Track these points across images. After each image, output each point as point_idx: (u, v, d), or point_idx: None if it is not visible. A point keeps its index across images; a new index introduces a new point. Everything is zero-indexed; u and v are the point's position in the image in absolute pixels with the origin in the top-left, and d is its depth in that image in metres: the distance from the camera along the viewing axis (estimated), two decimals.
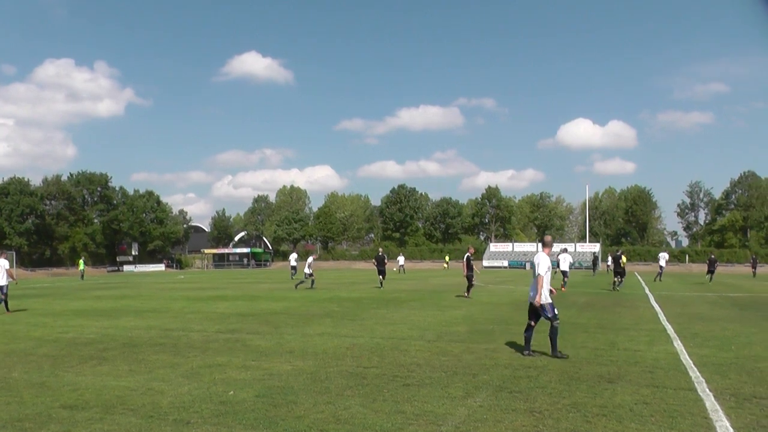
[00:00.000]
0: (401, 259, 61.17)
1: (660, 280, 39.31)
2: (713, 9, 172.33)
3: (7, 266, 21.00)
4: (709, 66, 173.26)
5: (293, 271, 35.06)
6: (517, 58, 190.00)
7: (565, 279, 32.28)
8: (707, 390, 8.10)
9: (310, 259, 33.47)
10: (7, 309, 20.53)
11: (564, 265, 32.71)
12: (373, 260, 34.49)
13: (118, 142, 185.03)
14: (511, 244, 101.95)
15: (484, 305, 21.57)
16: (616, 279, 31.46)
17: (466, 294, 24.87)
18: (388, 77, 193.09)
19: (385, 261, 33.85)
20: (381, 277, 33.10)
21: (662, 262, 40.14)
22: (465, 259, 25.98)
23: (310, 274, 32.73)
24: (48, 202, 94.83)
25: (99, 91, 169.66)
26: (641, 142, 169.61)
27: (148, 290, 33.80)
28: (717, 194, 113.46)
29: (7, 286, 20.81)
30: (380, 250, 38.20)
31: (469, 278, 25.23)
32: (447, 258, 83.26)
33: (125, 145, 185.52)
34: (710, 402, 7.47)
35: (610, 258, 38.68)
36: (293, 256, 33.78)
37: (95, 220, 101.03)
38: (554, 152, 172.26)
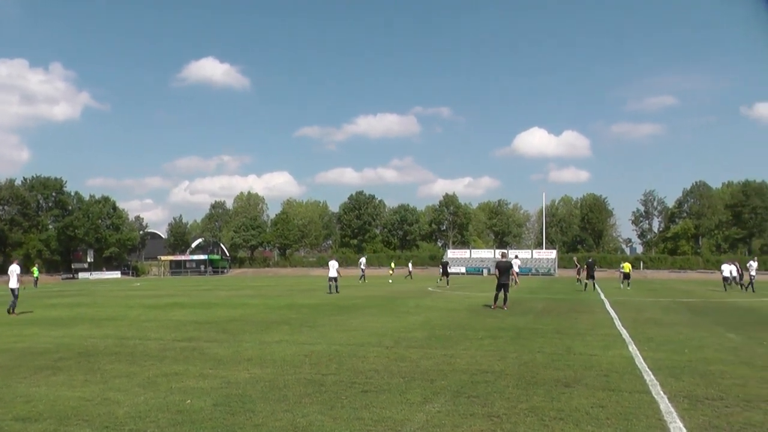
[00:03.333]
0: (410, 266, 61.61)
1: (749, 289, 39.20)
2: (663, 25, 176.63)
3: (18, 271, 22.98)
4: (659, 80, 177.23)
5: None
6: (473, 68, 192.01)
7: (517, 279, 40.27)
8: (661, 392, 8.23)
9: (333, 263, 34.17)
10: (12, 311, 21.81)
11: (515, 269, 39.46)
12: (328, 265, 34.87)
13: (74, 146, 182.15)
14: (468, 251, 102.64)
15: (442, 311, 21.67)
16: (588, 281, 36.35)
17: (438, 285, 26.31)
18: (346, 85, 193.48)
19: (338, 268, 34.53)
20: (333, 282, 33.46)
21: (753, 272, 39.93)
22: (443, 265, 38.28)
23: (333, 278, 33.28)
24: (1, 208, 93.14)
25: (54, 93, 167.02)
26: (595, 151, 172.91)
27: (104, 298, 33.31)
28: (670, 203, 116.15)
29: (18, 289, 22.62)
30: (334, 257, 38.68)
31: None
32: (392, 264, 79.98)
33: (81, 150, 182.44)
34: (664, 404, 7.60)
35: (584, 264, 41.24)
36: (333, 264, 33.86)
37: (50, 226, 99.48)
38: (510, 161, 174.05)
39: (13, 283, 22.73)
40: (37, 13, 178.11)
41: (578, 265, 47.41)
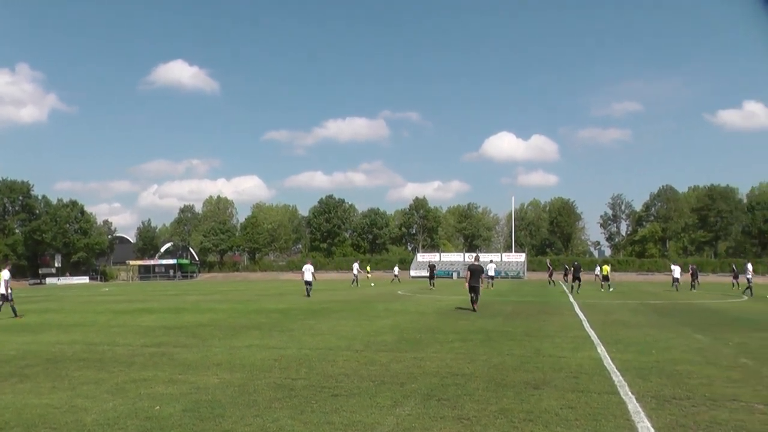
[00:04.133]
0: (396, 269, 62.90)
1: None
2: (627, 30, 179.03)
3: (7, 277, 22.85)
4: (623, 85, 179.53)
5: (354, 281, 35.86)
6: (441, 72, 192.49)
7: (492, 281, 46.12)
8: (629, 393, 8.32)
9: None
10: (15, 314, 22.38)
11: (491, 272, 46.16)
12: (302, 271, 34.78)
13: (41, 149, 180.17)
14: (438, 254, 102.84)
15: (412, 314, 21.71)
16: (574, 284, 38.50)
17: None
18: (314, 89, 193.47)
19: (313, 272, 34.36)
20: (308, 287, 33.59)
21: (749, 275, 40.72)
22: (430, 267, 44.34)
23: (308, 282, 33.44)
24: None
25: (21, 95, 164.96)
26: (563, 155, 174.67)
27: (72, 303, 32.95)
28: (638, 206, 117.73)
29: (11, 293, 22.81)
30: (309, 260, 38.64)
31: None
32: (368, 268, 79.10)
33: (48, 153, 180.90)
34: (632, 404, 7.69)
35: (572, 266, 44.76)
36: (308, 268, 33.72)
37: (16, 231, 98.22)
38: (479, 164, 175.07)
39: (2, 289, 22.67)
40: (3, 13, 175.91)
41: (558, 269, 49.72)
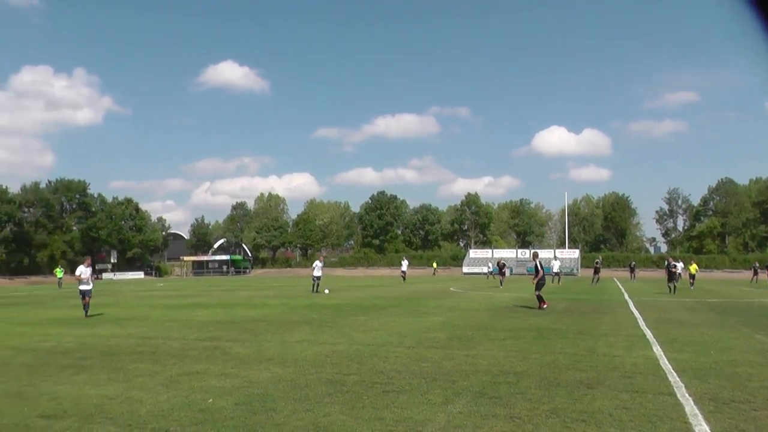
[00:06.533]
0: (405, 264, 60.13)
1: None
2: (678, 19, 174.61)
3: (89, 273, 21.52)
4: (676, 75, 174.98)
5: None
6: (489, 67, 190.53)
7: (559, 278, 48.83)
8: (686, 395, 8.11)
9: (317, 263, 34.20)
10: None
11: (555, 269, 48.96)
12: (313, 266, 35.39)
13: (97, 150, 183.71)
14: (490, 251, 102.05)
15: (464, 311, 21.61)
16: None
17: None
18: (363, 86, 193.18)
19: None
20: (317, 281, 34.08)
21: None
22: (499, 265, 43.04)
23: (317, 278, 33.76)
24: (26, 210, 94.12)
25: (78, 99, 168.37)
26: (616, 149, 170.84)
27: (127, 298, 33.57)
28: (695, 201, 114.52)
29: (91, 290, 21.40)
30: (320, 258, 38.90)
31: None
32: (435, 264, 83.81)
33: (104, 153, 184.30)
34: (689, 406, 7.49)
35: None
36: (318, 264, 34.10)
37: (74, 228, 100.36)
38: (529, 159, 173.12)
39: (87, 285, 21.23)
40: (60, 21, 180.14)
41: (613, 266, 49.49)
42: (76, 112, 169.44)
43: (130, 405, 7.78)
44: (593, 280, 47.96)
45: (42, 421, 7.11)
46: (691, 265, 42.22)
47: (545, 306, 21.79)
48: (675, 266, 34.90)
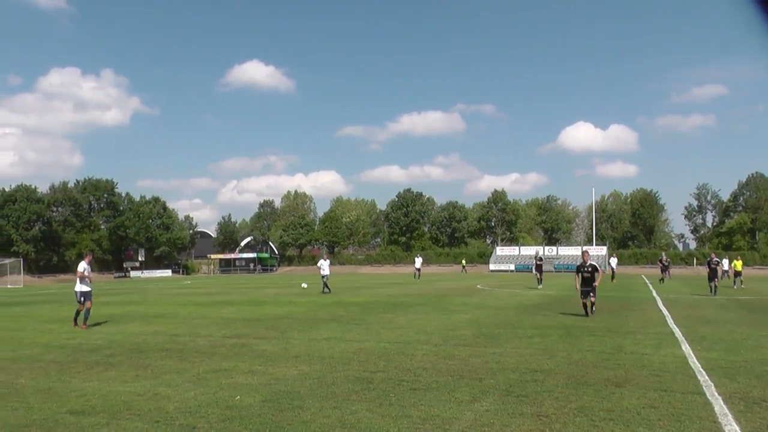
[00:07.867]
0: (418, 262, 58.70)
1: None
2: (705, 12, 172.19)
3: (89, 271, 18.41)
4: (703, 69, 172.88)
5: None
6: (514, 64, 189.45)
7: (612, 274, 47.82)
8: (716, 394, 8.03)
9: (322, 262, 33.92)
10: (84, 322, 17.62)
11: (613, 264, 49.56)
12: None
13: (125, 149, 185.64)
14: (517, 248, 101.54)
15: (490, 309, 21.54)
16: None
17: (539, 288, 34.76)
18: (388, 84, 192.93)
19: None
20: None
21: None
22: (538, 258, 40.34)
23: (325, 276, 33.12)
24: (55, 209, 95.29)
25: (106, 100, 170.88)
26: (643, 145, 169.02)
27: (155, 296, 33.84)
28: (725, 196, 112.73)
29: (90, 292, 18.06)
30: (324, 255, 38.58)
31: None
32: (464, 261, 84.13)
33: (131, 153, 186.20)
34: (719, 406, 7.41)
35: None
36: (325, 263, 33.77)
37: (102, 227, 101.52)
38: (556, 156, 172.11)
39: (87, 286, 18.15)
40: (88, 23, 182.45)
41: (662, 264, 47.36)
42: (104, 112, 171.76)
43: (157, 402, 7.85)
44: (661, 279, 44.86)
45: (71, 417, 7.19)
46: (737, 260, 39.13)
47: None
48: (718, 263, 31.98)
